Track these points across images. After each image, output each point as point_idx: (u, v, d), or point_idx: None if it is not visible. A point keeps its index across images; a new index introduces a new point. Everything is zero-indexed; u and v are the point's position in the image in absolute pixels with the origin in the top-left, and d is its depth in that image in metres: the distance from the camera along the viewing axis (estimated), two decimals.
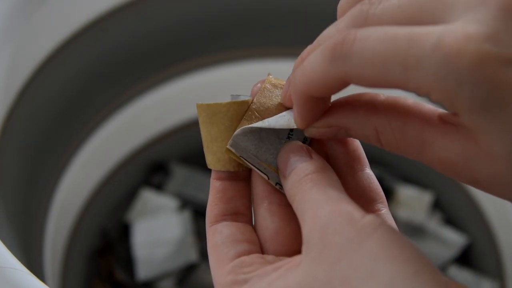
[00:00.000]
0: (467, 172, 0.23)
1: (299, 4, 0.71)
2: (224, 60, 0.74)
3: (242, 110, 0.28)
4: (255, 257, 0.26)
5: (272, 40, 0.73)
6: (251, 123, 0.28)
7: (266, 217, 0.27)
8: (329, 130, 0.26)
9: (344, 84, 0.23)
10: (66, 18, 0.60)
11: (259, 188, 0.28)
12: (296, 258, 0.24)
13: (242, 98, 0.28)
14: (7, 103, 0.53)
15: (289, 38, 0.73)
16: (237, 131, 0.27)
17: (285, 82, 0.29)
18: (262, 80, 0.29)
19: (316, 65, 0.23)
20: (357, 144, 0.28)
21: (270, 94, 0.29)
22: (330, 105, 0.27)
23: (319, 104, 0.25)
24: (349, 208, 0.23)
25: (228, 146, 0.27)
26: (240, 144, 0.27)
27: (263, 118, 0.28)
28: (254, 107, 0.28)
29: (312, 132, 0.27)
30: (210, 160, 0.28)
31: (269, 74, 0.30)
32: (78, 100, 0.65)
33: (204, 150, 0.29)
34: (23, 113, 0.56)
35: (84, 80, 0.65)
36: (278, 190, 0.27)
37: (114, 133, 0.71)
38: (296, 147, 0.27)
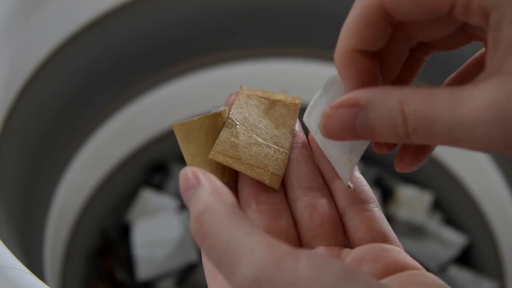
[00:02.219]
0: None
1: (301, 4, 0.71)
2: (224, 60, 0.74)
3: (215, 122, 0.29)
4: None
5: (273, 40, 0.73)
6: (232, 130, 0.29)
7: (255, 217, 0.27)
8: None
9: (386, 17, 0.22)
10: (66, 18, 0.60)
11: (245, 191, 0.28)
12: None
13: (220, 109, 0.29)
14: (7, 103, 0.53)
15: (290, 38, 0.73)
16: None
17: (258, 92, 0.31)
18: (236, 92, 0.31)
19: (353, 7, 0.23)
20: None
21: (246, 104, 0.30)
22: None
23: (367, 63, 0.24)
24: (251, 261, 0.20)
25: None
26: None
27: (243, 125, 0.29)
28: (232, 116, 0.29)
29: None
30: None
31: (241, 87, 0.31)
32: (78, 100, 0.65)
33: None
34: (23, 113, 0.56)
35: (84, 80, 0.65)
36: (263, 191, 0.28)
37: (114, 133, 0.71)
38: (184, 174, 0.23)
